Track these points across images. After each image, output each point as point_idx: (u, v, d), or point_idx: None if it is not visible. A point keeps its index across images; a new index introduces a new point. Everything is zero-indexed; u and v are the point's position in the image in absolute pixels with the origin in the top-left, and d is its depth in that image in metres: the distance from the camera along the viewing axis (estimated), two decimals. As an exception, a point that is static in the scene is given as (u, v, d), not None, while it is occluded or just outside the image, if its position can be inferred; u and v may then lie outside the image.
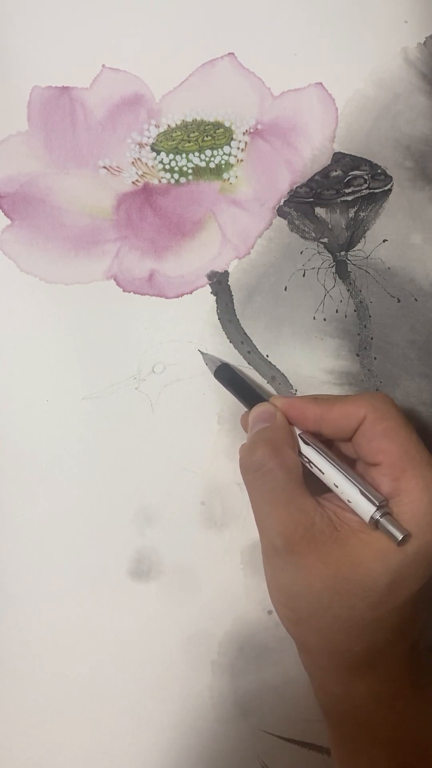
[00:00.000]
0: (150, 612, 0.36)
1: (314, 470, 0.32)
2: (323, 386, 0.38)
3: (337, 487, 0.31)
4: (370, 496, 0.29)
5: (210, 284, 0.38)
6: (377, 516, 0.29)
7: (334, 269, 0.38)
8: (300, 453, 0.32)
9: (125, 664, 0.36)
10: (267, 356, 0.38)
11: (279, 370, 0.38)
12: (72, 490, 0.37)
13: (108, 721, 0.36)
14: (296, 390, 0.38)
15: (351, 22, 0.39)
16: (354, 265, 0.38)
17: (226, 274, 0.38)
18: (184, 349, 0.38)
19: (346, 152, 0.39)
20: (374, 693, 0.30)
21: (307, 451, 0.32)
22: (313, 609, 0.29)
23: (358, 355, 0.38)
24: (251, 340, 0.38)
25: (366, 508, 0.29)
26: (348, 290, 0.38)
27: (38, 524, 0.37)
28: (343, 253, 0.38)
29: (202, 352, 0.37)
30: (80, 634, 0.36)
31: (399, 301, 0.38)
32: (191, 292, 0.38)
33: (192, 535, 0.37)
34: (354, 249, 0.38)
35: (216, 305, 0.38)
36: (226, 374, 0.36)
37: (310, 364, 0.38)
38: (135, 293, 0.38)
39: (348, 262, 0.38)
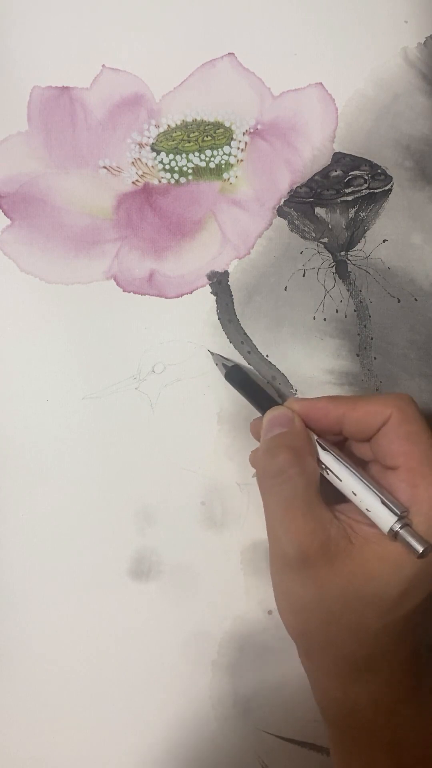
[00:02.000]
0: (150, 612, 0.36)
1: (331, 477, 0.31)
2: (323, 386, 0.38)
3: (355, 495, 0.30)
4: (392, 506, 0.28)
5: (210, 284, 0.38)
6: (397, 527, 0.28)
7: (334, 269, 0.38)
8: (318, 460, 0.31)
9: (125, 664, 0.36)
10: (267, 356, 0.38)
11: (279, 370, 0.38)
12: (72, 489, 0.37)
13: (108, 720, 0.36)
14: (296, 390, 0.38)
15: (351, 22, 0.39)
16: (354, 265, 0.38)
17: (226, 274, 0.38)
18: (184, 349, 0.38)
19: (346, 152, 0.39)
20: (375, 697, 0.30)
21: (326, 458, 0.31)
22: (322, 620, 0.29)
23: (358, 355, 0.38)
24: (251, 340, 0.38)
25: (386, 518, 0.28)
26: (348, 290, 0.38)
27: (38, 524, 0.37)
28: (343, 253, 0.38)
29: (212, 353, 0.37)
30: (80, 634, 0.36)
31: (399, 301, 0.38)
32: (191, 292, 0.38)
33: (192, 535, 0.37)
34: (354, 249, 0.38)
35: (216, 305, 0.38)
36: (237, 376, 0.35)
37: (310, 364, 0.38)
38: (135, 293, 0.38)
39: (348, 262, 0.38)
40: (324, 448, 0.31)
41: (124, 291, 0.38)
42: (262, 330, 0.38)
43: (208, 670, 0.36)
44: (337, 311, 0.38)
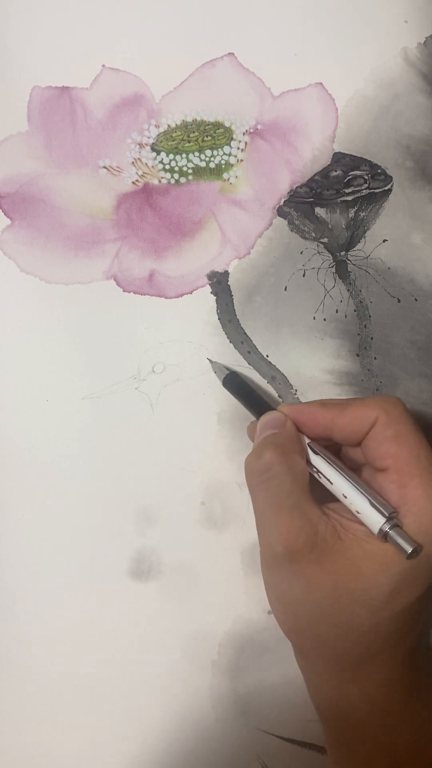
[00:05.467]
0: (150, 612, 0.36)
1: (322, 480, 0.31)
2: (323, 386, 0.38)
3: (345, 497, 0.30)
4: (380, 507, 0.29)
5: (210, 284, 0.38)
6: (386, 528, 0.28)
7: (334, 269, 0.38)
8: (309, 462, 0.31)
9: (125, 664, 0.36)
10: (267, 356, 0.38)
11: (279, 370, 0.38)
12: (72, 490, 0.37)
13: (108, 721, 0.36)
14: (296, 390, 0.38)
15: (351, 22, 0.39)
16: (354, 265, 0.38)
17: (226, 274, 0.38)
18: (184, 349, 0.38)
19: (346, 152, 0.39)
20: (370, 698, 0.30)
21: (316, 461, 0.31)
22: (312, 616, 0.29)
23: (358, 355, 0.38)
24: (251, 340, 0.38)
25: (375, 520, 0.29)
26: (348, 290, 0.38)
27: (38, 524, 0.37)
28: (343, 253, 0.38)
29: (210, 361, 0.37)
30: (80, 634, 0.36)
31: (399, 301, 0.38)
32: (191, 292, 0.38)
33: (192, 535, 0.37)
34: (354, 249, 0.38)
35: (216, 305, 0.38)
36: (234, 383, 0.36)
37: (310, 364, 0.38)
38: (135, 293, 0.38)
39: (348, 262, 0.38)
40: (315, 452, 0.31)
41: (124, 291, 0.38)
42: (262, 330, 0.38)
43: (208, 670, 0.36)
44: (337, 311, 0.38)
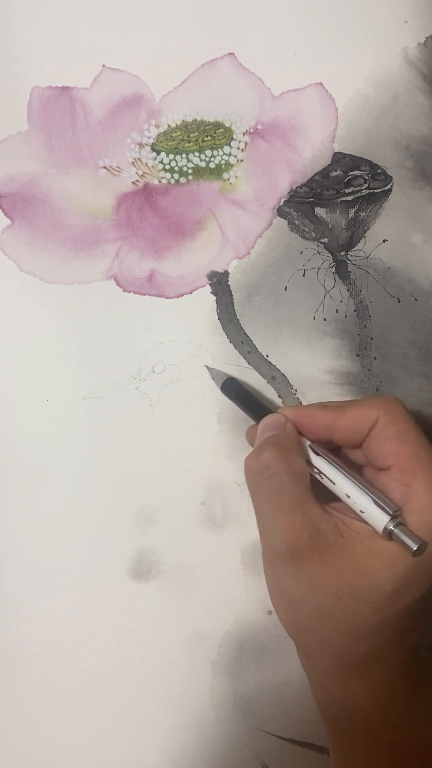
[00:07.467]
0: (150, 612, 0.36)
1: (325, 481, 0.31)
2: (323, 386, 0.38)
3: (348, 497, 0.30)
4: (384, 506, 0.29)
5: (210, 284, 0.38)
6: (391, 526, 0.28)
7: (334, 269, 0.38)
8: (310, 464, 0.32)
9: (125, 664, 0.36)
10: (267, 356, 0.38)
11: (279, 370, 0.38)
12: (72, 490, 0.37)
13: (108, 721, 0.36)
14: (296, 390, 0.38)
15: (351, 22, 0.39)
16: (354, 265, 0.38)
17: (226, 274, 0.38)
18: (184, 349, 0.38)
19: (346, 152, 0.39)
20: (372, 695, 0.30)
21: (318, 462, 0.31)
22: (315, 615, 0.29)
23: (358, 355, 0.38)
24: (251, 340, 0.38)
25: (379, 518, 0.29)
26: (348, 290, 0.38)
27: (38, 524, 0.37)
28: (343, 253, 0.38)
29: (208, 367, 0.37)
30: (80, 634, 0.36)
31: (399, 301, 0.38)
32: (191, 292, 0.38)
33: (192, 535, 0.37)
34: (354, 249, 0.38)
35: (216, 305, 0.38)
36: (233, 388, 0.36)
37: (310, 364, 0.38)
38: (135, 293, 0.38)
39: (348, 262, 0.38)
40: (316, 453, 0.32)
41: (124, 291, 0.38)
42: (262, 330, 0.38)
43: (208, 670, 0.36)
44: (337, 311, 0.38)
